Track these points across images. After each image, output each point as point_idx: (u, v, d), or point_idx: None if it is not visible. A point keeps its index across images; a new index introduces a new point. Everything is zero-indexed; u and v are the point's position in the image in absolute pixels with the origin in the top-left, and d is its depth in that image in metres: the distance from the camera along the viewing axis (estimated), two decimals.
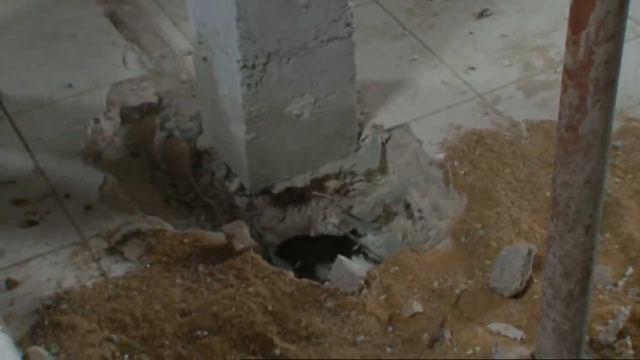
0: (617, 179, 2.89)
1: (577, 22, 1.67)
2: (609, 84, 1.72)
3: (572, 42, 1.69)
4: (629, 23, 2.30)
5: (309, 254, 3.25)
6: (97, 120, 3.23)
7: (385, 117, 3.20)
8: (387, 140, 3.16)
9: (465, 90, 3.30)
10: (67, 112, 3.25)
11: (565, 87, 1.76)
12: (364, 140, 3.18)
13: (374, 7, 3.71)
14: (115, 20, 3.69)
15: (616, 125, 3.03)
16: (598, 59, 1.68)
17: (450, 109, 3.22)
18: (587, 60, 1.69)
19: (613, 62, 1.69)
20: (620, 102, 3.04)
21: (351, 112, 3.10)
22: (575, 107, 1.75)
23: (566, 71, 1.74)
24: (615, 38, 1.66)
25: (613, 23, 1.64)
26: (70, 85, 3.35)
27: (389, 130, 3.16)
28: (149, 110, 3.34)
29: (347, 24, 2.87)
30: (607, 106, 1.74)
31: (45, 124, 3.20)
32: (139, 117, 3.33)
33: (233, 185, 3.19)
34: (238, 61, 2.76)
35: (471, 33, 3.56)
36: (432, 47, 3.50)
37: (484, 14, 3.64)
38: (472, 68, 3.39)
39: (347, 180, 3.22)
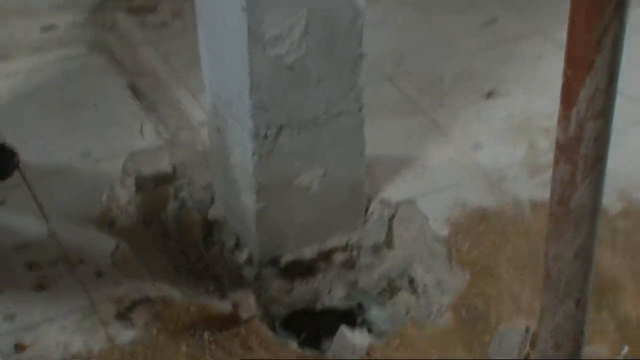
0: (617, 259, 2.91)
1: (568, 99, 1.72)
2: (598, 160, 1.76)
3: (564, 117, 1.74)
4: None
5: (315, 325, 3.26)
6: (112, 188, 3.29)
7: (393, 192, 3.24)
8: (393, 215, 3.19)
9: (471, 168, 3.35)
10: (84, 180, 3.31)
11: (557, 162, 1.80)
12: (371, 214, 3.20)
13: (387, 85, 3.78)
14: (136, 91, 3.78)
15: (618, 206, 3.07)
16: (587, 136, 1.72)
17: (457, 186, 3.26)
18: (577, 136, 1.73)
19: (602, 139, 1.73)
20: (621, 182, 3.09)
21: (359, 185, 3.13)
22: (566, 182, 1.79)
23: (558, 146, 1.79)
24: (604, 115, 1.70)
25: (602, 100, 1.68)
26: (88, 154, 3.43)
27: (396, 205, 3.20)
28: (164, 179, 3.39)
29: (357, 99, 2.91)
30: (596, 182, 1.78)
31: (62, 191, 3.26)
32: (154, 186, 3.38)
33: (242, 255, 3.21)
34: (250, 131, 2.80)
35: (479, 112, 3.62)
36: (441, 125, 3.56)
37: (492, 94, 3.71)
38: (479, 147, 3.44)
39: (354, 253, 3.24)
